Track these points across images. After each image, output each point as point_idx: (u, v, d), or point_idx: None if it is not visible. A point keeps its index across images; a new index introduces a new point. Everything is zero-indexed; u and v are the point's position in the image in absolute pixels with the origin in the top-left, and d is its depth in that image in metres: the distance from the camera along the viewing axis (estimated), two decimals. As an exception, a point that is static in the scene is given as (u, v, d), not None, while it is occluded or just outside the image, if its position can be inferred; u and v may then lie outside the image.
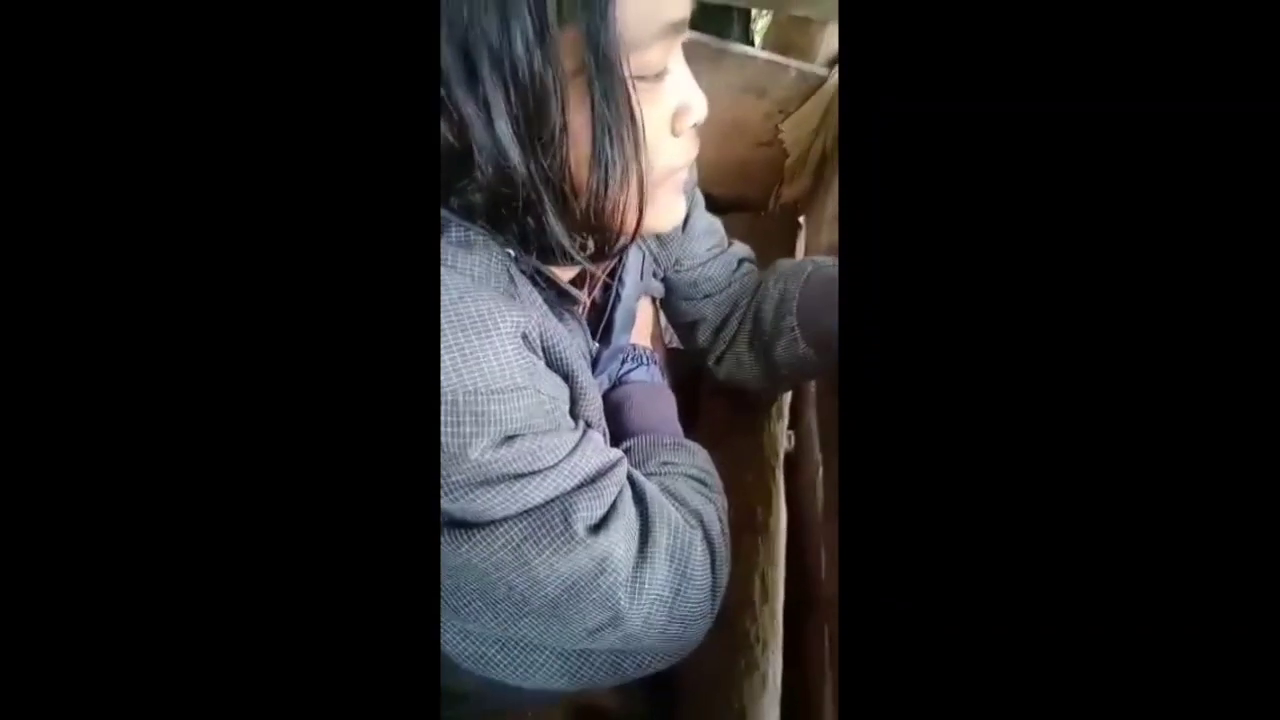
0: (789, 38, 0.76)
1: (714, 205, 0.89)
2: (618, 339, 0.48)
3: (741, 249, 0.58)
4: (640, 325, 0.56)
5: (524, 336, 0.32)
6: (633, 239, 0.35)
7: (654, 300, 0.59)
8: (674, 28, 0.30)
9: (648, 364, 0.54)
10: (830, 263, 0.51)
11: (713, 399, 0.66)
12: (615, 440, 0.45)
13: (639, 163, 0.31)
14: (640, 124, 0.30)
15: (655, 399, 0.50)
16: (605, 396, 0.50)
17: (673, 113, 0.33)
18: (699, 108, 0.33)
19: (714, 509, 0.41)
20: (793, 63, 0.74)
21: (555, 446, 0.32)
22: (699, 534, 0.38)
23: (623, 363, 0.52)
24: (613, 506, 0.34)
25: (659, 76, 0.31)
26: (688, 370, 0.67)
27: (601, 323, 0.46)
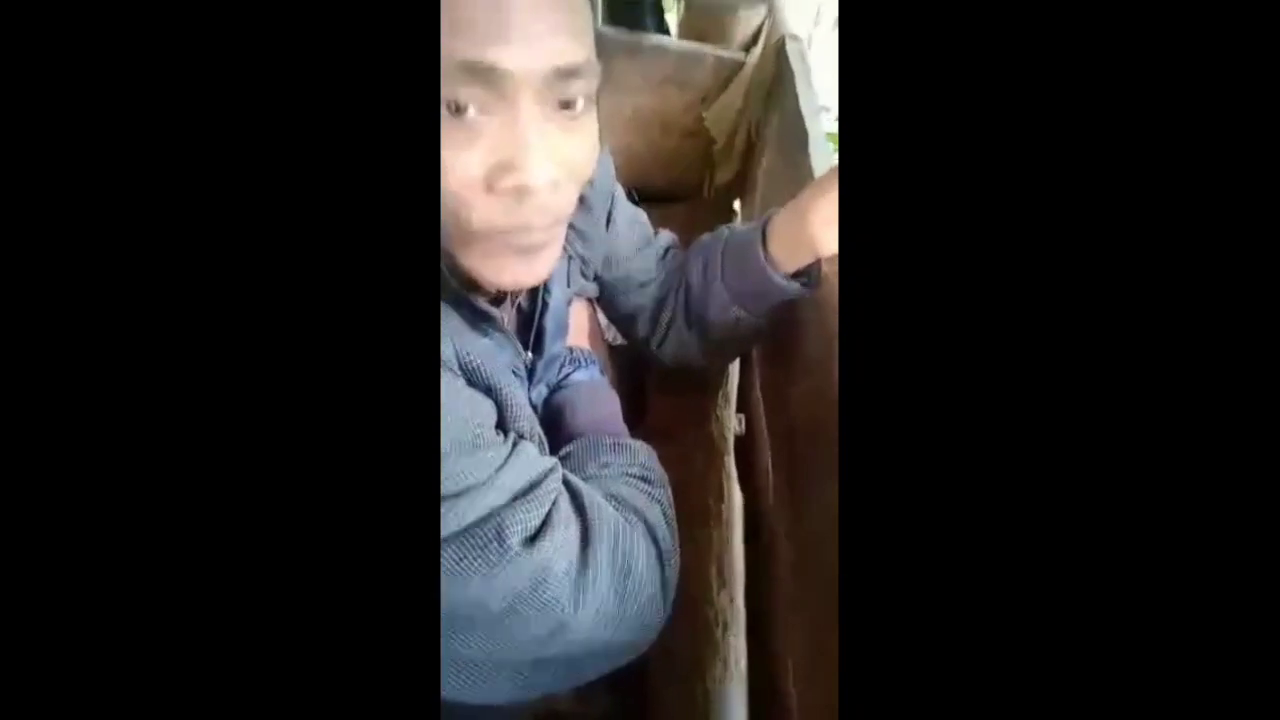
0: (702, 26, 0.76)
1: (649, 197, 0.90)
2: (551, 346, 0.48)
3: (668, 236, 0.58)
4: (576, 328, 0.56)
5: None
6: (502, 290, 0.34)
7: (590, 300, 0.59)
8: (469, 70, 0.28)
9: (586, 365, 0.54)
10: (744, 227, 0.52)
11: (660, 392, 0.67)
12: (557, 445, 0.45)
13: (441, 208, 0.30)
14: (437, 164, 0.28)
15: (595, 400, 0.50)
16: (546, 402, 0.51)
17: (492, 166, 0.30)
18: (521, 172, 0.30)
19: (657, 505, 0.41)
20: (709, 50, 0.74)
21: (482, 464, 0.32)
22: (640, 531, 0.38)
23: (560, 367, 0.52)
24: (548, 516, 0.34)
25: (458, 112, 0.29)
26: (634, 366, 0.68)
27: (532, 332, 0.46)
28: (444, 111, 0.29)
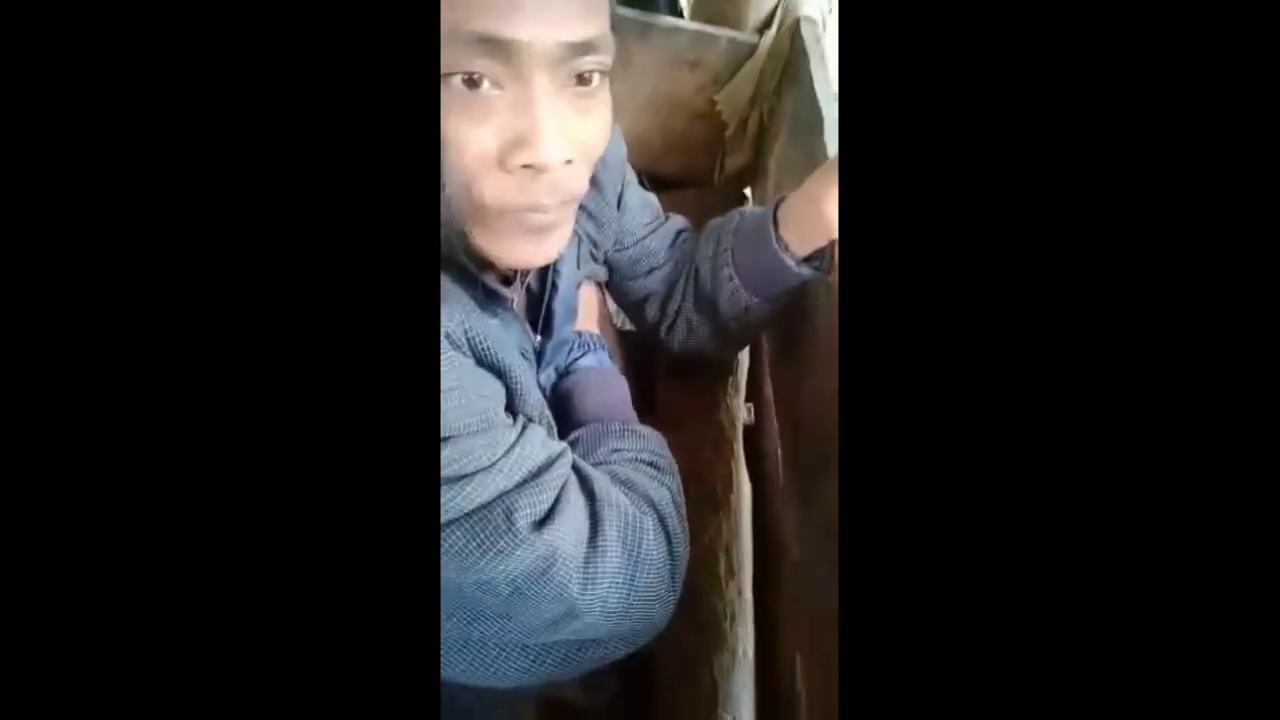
0: (717, 6, 0.75)
1: (660, 182, 0.89)
2: (560, 330, 0.47)
3: (679, 221, 0.57)
4: (586, 312, 0.55)
5: (448, 337, 0.31)
6: (511, 270, 0.34)
7: (599, 285, 0.58)
8: (483, 43, 0.27)
9: (595, 350, 0.53)
10: (755, 210, 0.51)
11: (669, 379, 0.66)
12: (566, 430, 0.45)
13: (453, 183, 0.30)
14: (446, 137, 0.28)
15: (604, 385, 0.50)
16: (555, 387, 0.50)
17: (505, 143, 0.30)
18: (534, 149, 0.29)
19: (667, 491, 0.41)
20: (723, 31, 0.73)
21: (491, 445, 0.32)
22: (650, 517, 0.38)
23: (569, 351, 0.51)
24: (557, 500, 0.33)
25: (473, 85, 0.28)
26: (643, 352, 0.67)
27: (541, 314, 0.45)
28: (459, 85, 0.28)
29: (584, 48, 0.30)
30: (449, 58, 0.27)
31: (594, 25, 0.30)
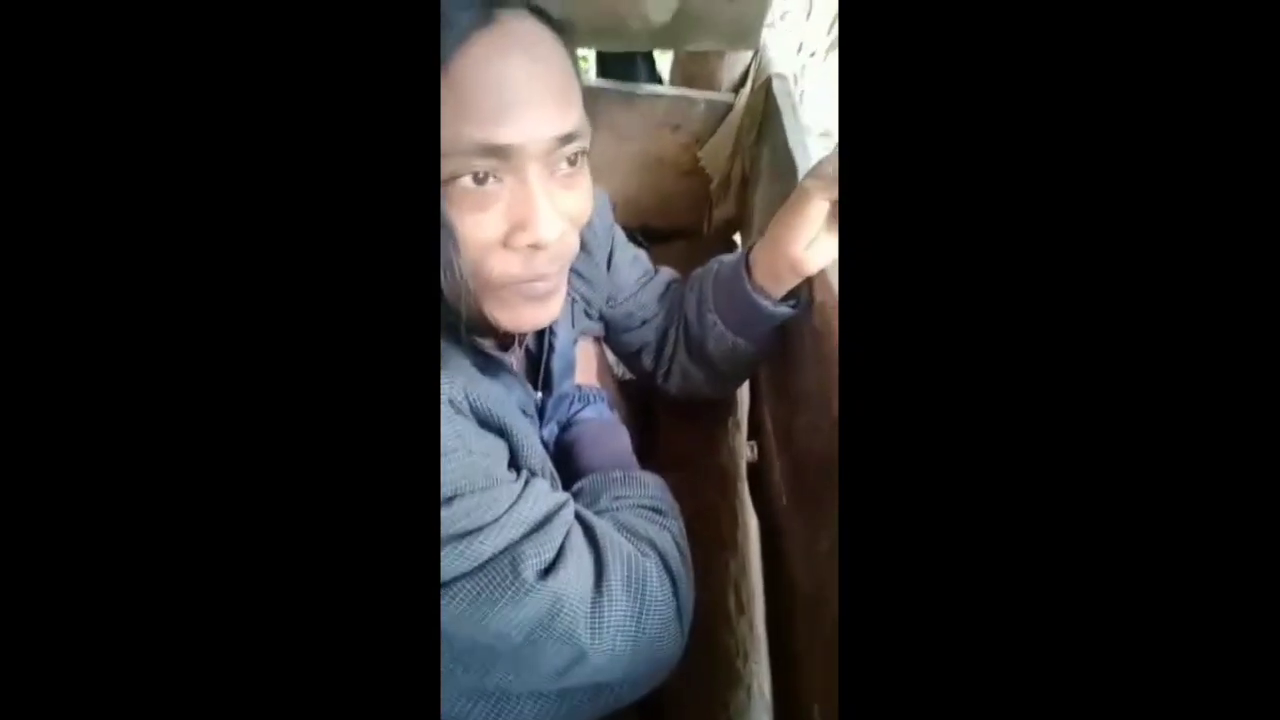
0: (692, 71, 0.80)
1: (652, 236, 0.93)
2: (559, 385, 0.50)
3: (668, 273, 0.60)
4: (584, 366, 0.58)
5: (450, 402, 0.34)
6: (510, 335, 0.37)
7: (596, 339, 0.61)
8: (484, 149, 0.32)
9: (595, 402, 0.55)
10: (731, 257, 0.54)
11: (670, 423, 0.69)
12: (570, 481, 0.47)
13: (456, 264, 0.34)
14: (452, 227, 0.33)
15: (605, 435, 0.52)
16: (558, 440, 0.52)
17: (508, 227, 0.35)
18: (534, 231, 0.34)
19: (669, 535, 0.42)
20: (701, 94, 0.78)
21: (497, 500, 0.34)
22: (654, 561, 0.39)
23: (570, 405, 0.54)
24: (561, 549, 0.35)
25: (480, 180, 0.33)
26: (643, 399, 0.69)
27: (540, 373, 0.48)
28: (467, 183, 0.33)
29: (567, 138, 0.35)
30: (458, 163, 0.32)
31: (573, 118, 0.35)
